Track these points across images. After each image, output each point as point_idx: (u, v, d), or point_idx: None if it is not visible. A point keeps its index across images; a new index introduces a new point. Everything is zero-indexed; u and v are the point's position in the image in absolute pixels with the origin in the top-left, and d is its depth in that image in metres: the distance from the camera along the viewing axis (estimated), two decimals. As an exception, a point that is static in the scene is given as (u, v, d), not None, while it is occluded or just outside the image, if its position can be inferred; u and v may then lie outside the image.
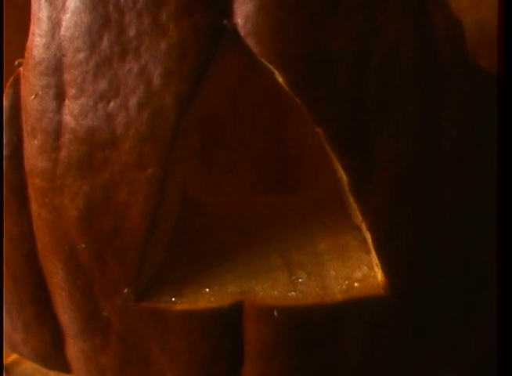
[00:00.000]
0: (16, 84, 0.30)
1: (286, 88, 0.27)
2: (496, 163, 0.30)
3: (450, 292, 0.31)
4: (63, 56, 0.28)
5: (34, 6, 0.28)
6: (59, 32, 0.28)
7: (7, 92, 0.30)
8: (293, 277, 0.30)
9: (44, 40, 0.28)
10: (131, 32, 0.27)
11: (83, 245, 0.29)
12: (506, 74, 0.30)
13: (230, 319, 0.29)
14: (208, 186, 0.39)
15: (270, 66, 0.27)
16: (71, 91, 0.28)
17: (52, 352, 0.33)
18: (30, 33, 0.28)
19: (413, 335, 0.31)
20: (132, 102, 0.27)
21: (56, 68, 0.28)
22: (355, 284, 0.30)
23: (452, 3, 0.29)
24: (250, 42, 0.26)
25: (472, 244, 0.30)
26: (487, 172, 0.30)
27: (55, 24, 0.28)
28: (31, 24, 0.28)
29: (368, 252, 0.31)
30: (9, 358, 0.41)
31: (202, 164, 0.39)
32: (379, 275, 0.30)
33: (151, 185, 0.27)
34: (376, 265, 0.30)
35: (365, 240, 0.31)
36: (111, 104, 0.27)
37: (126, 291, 0.29)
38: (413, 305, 0.30)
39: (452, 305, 0.31)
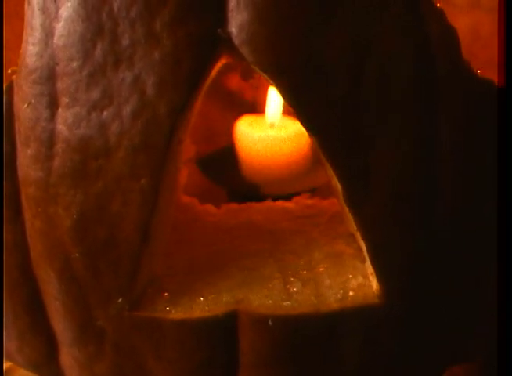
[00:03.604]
0: (9, 93, 0.29)
1: (281, 97, 0.27)
2: (496, 166, 0.30)
3: (446, 300, 0.31)
4: (56, 64, 0.27)
5: (28, 14, 0.28)
6: (52, 40, 0.27)
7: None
8: (287, 286, 0.30)
9: (37, 48, 0.28)
10: (125, 41, 0.26)
11: (77, 255, 0.29)
12: (505, 79, 0.30)
13: (225, 328, 0.29)
14: (202, 194, 0.39)
15: (264, 75, 0.27)
16: (64, 100, 0.27)
17: (46, 360, 0.33)
18: (24, 41, 0.28)
19: (409, 343, 0.31)
20: (126, 111, 0.27)
21: (49, 77, 0.28)
22: (350, 293, 0.30)
23: (446, 7, 0.29)
24: (245, 51, 0.26)
25: (469, 252, 0.30)
26: (485, 179, 0.30)
27: (48, 33, 0.27)
28: (24, 32, 0.28)
29: (363, 261, 0.31)
30: (4, 365, 0.40)
31: (196, 172, 0.39)
32: (374, 284, 0.30)
33: (145, 195, 0.27)
34: (372, 274, 0.30)
35: (360, 248, 0.31)
36: (104, 113, 0.27)
37: (120, 300, 0.29)
38: (409, 313, 0.30)
39: (448, 312, 0.31)
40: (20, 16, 0.29)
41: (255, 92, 0.49)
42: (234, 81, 0.50)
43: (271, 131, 0.45)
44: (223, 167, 0.46)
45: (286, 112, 0.46)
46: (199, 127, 0.36)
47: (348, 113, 0.27)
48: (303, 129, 0.45)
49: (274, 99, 0.45)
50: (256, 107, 0.49)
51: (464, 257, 0.30)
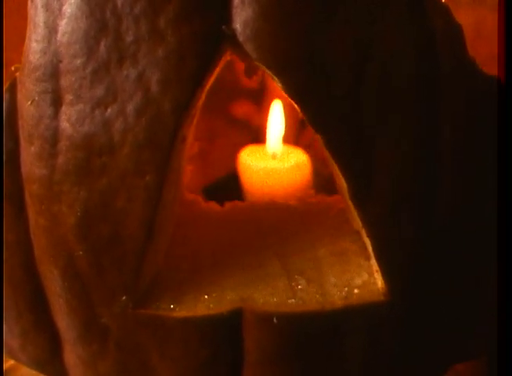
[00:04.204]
0: (13, 90, 0.29)
1: (285, 94, 0.27)
2: (496, 166, 0.30)
3: (450, 297, 0.31)
4: (60, 61, 0.27)
5: (31, 11, 0.28)
6: (56, 38, 0.27)
7: (4, 97, 0.29)
8: (292, 284, 0.30)
9: (40, 45, 0.28)
10: (129, 38, 0.26)
11: (81, 252, 0.28)
12: (505, 78, 0.30)
13: (229, 326, 0.29)
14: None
15: (269, 71, 0.27)
16: (68, 97, 0.27)
17: (50, 358, 0.33)
18: (27, 38, 0.28)
19: (413, 340, 0.31)
20: (130, 108, 0.27)
21: (53, 74, 0.27)
22: (355, 291, 0.30)
23: (450, 3, 0.29)
24: (249, 48, 0.26)
25: (472, 248, 0.30)
26: (486, 176, 0.30)
27: (51, 30, 0.27)
28: (28, 30, 0.28)
29: (368, 258, 0.31)
30: (7, 363, 0.40)
31: (200, 169, 0.39)
32: (379, 281, 0.30)
33: (149, 192, 0.27)
34: (377, 271, 0.30)
35: (364, 246, 0.31)
36: (109, 110, 0.27)
37: (124, 297, 0.29)
38: (413, 310, 0.30)
39: (451, 310, 0.31)
40: (22, 15, 0.29)
41: (261, 119, 0.50)
42: (241, 109, 0.51)
43: (273, 162, 0.47)
44: (227, 196, 0.48)
45: (285, 141, 0.48)
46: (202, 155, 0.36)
47: (350, 111, 0.27)
48: (304, 159, 0.47)
49: (275, 130, 0.47)
50: (262, 134, 0.50)
51: (464, 257, 0.30)
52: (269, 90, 0.50)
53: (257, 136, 0.51)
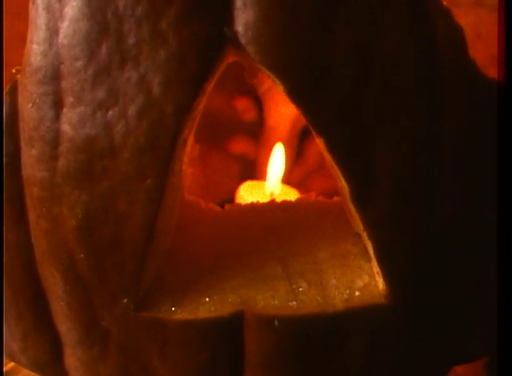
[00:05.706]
0: (14, 92, 0.29)
1: (287, 97, 0.27)
2: (496, 168, 0.30)
3: (450, 299, 0.31)
4: (61, 64, 0.27)
5: (32, 13, 0.28)
6: (57, 40, 0.27)
7: (4, 99, 0.29)
8: (293, 286, 0.30)
9: (41, 48, 0.27)
10: (131, 40, 0.26)
11: (82, 255, 0.28)
12: (505, 79, 0.30)
13: (230, 328, 0.29)
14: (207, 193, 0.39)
15: (270, 73, 0.27)
16: (69, 99, 0.27)
17: (51, 361, 0.33)
18: (28, 40, 0.28)
19: (414, 342, 0.31)
20: (131, 111, 0.27)
21: (54, 76, 0.27)
22: (356, 293, 0.30)
23: (449, 4, 0.29)
24: (251, 50, 0.26)
25: (472, 250, 0.30)
26: (487, 178, 0.30)
27: (52, 32, 0.27)
28: (29, 32, 0.28)
29: (368, 260, 0.31)
30: (7, 365, 0.40)
31: (201, 172, 0.38)
32: (380, 283, 0.30)
33: (150, 195, 0.27)
34: (377, 273, 0.30)
35: (365, 248, 0.31)
36: (110, 113, 0.27)
37: (125, 300, 0.29)
38: (414, 312, 0.30)
39: (452, 311, 0.31)
40: (23, 17, 0.29)
41: (258, 154, 0.51)
42: (238, 145, 0.52)
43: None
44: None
45: (284, 180, 0.50)
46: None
47: (350, 113, 0.27)
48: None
49: (275, 171, 0.48)
50: (259, 168, 0.51)
51: (464, 258, 0.30)
52: (267, 125, 0.51)
53: (253, 170, 0.53)
